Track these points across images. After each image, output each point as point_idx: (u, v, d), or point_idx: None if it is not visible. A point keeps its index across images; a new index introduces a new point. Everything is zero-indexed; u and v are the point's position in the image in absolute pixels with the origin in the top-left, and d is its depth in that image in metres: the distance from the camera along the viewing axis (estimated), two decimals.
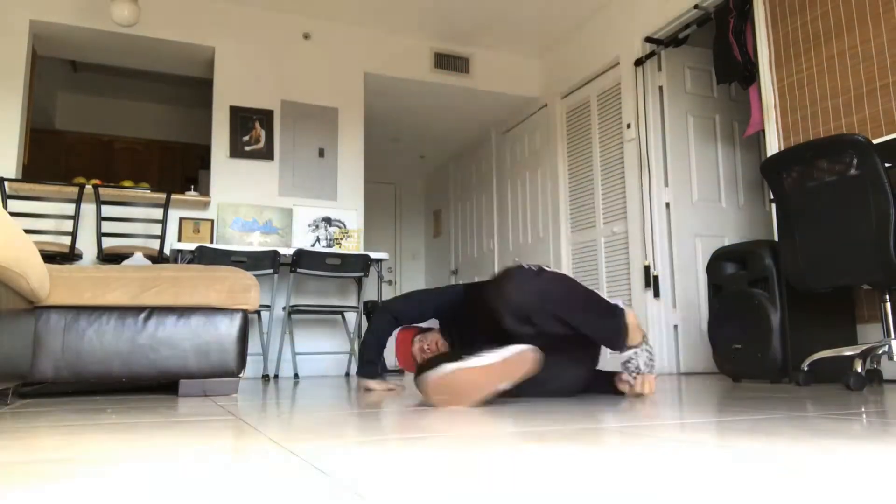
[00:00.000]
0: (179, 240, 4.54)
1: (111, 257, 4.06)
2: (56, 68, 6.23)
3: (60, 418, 1.60)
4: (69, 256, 3.93)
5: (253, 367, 4.38)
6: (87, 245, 4.19)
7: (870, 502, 0.65)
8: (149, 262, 3.89)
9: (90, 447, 1.11)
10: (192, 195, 4.65)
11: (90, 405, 1.99)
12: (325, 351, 4.82)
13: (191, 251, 4.02)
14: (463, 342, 2.35)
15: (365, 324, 5.19)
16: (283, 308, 4.42)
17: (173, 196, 4.33)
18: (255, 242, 4.75)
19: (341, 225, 5.03)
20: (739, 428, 1.29)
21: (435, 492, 0.72)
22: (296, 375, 4.38)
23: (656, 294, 4.30)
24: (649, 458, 0.94)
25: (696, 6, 4.12)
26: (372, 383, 2.64)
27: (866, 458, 0.92)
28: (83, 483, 0.79)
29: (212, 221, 4.67)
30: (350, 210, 5.09)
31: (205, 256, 3.94)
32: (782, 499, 0.67)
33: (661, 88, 4.50)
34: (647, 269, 4.36)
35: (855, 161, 2.40)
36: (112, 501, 0.69)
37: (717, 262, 3.37)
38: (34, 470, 0.89)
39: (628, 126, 4.62)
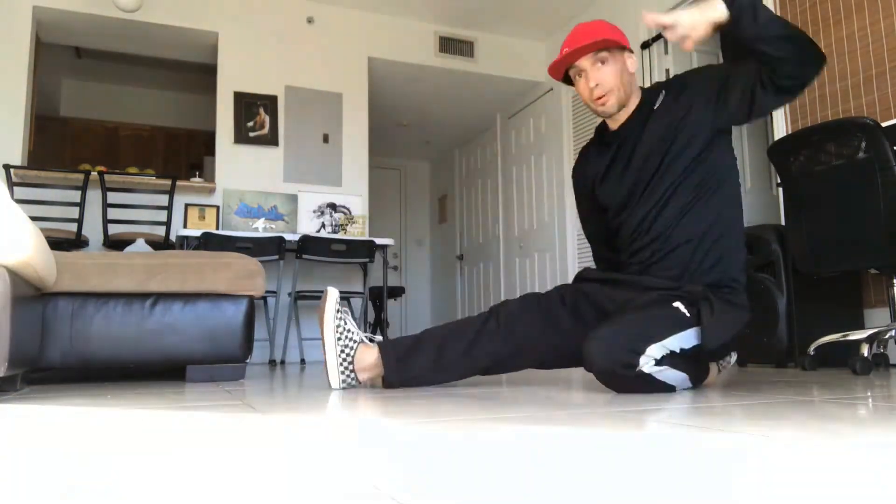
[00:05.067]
0: (185, 226, 4.55)
1: (118, 244, 4.07)
2: (60, 55, 6.21)
3: (68, 403, 1.61)
4: (76, 243, 3.95)
5: (259, 353, 4.40)
6: (93, 232, 4.20)
7: (875, 487, 0.65)
8: (150, 249, 3.90)
9: (98, 433, 1.12)
10: (197, 181, 4.66)
11: (98, 391, 2.00)
12: None
13: (197, 237, 4.03)
14: None
15: (371, 309, 5.20)
16: (289, 294, 4.43)
17: (178, 182, 4.33)
18: (261, 228, 4.76)
19: (346, 211, 5.03)
20: (744, 412, 1.29)
21: (454, 482, 0.72)
22: (302, 360, 4.40)
23: None
24: (652, 441, 0.94)
25: None
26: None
27: (872, 441, 0.92)
28: (89, 468, 0.80)
29: (217, 208, 4.68)
30: (355, 196, 5.09)
31: (210, 242, 3.95)
32: (784, 482, 0.67)
33: (667, 71, 4.46)
34: None
35: (863, 144, 2.38)
36: (118, 487, 0.69)
37: None
38: (42, 455, 0.90)
39: None
